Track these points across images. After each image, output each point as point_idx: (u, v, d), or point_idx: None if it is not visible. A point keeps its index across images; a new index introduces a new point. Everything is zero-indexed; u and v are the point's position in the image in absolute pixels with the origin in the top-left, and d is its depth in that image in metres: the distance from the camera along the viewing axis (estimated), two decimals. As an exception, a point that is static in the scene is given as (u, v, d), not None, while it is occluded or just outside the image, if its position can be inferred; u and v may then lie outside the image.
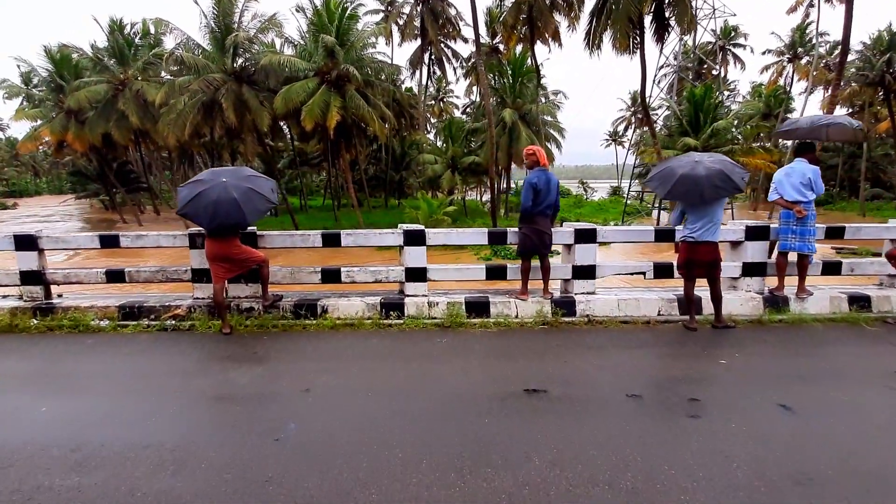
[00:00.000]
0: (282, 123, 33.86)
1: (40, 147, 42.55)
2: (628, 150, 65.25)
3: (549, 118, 29.73)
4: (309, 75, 21.61)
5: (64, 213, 44.56)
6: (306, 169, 41.70)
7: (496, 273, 5.26)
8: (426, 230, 4.70)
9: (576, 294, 5.29)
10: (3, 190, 64.31)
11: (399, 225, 4.86)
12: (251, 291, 4.85)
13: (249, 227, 4.81)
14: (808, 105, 35.01)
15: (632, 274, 5.75)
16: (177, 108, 22.36)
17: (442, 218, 21.79)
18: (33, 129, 33.90)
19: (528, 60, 30.69)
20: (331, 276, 4.85)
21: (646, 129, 34.75)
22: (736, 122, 23.54)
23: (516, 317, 4.97)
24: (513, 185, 41.59)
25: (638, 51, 16.78)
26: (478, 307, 4.79)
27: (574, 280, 5.34)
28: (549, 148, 29.04)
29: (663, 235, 5.37)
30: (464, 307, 4.71)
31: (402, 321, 4.69)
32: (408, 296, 4.77)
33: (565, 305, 5.09)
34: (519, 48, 29.84)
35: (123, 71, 28.30)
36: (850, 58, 37.67)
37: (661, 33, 17.29)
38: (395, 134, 41.02)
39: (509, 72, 30.37)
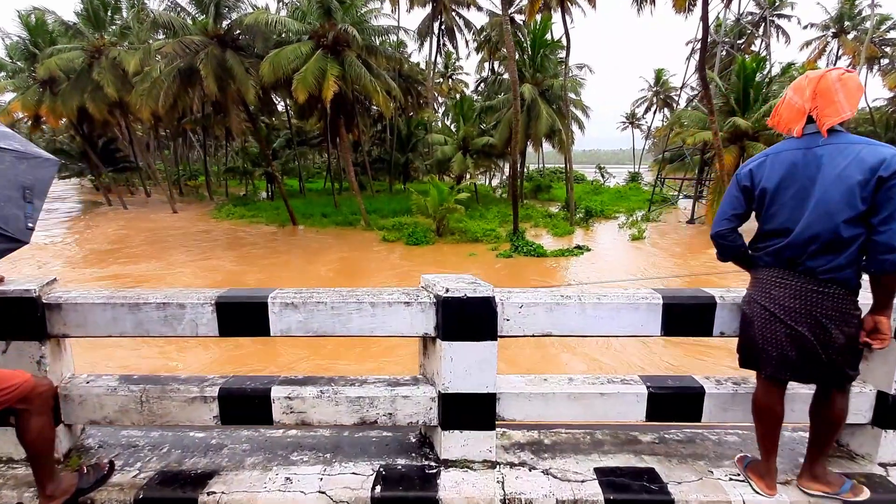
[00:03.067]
0: (277, 99, 31.09)
1: (17, 122, 39.89)
2: (648, 132, 61.96)
3: (572, 95, 26.72)
4: (302, 39, 18.72)
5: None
6: (305, 149, 38.90)
7: (668, 406, 1.90)
8: (501, 295, 1.72)
9: None
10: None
11: (422, 278, 1.82)
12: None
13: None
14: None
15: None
16: (151, 77, 19.62)
17: (454, 206, 19.10)
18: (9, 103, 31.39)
19: (549, 32, 27.55)
20: (245, 408, 1.86)
21: (682, 106, 31.85)
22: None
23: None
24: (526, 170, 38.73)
25: (698, 4, 13.90)
26: None
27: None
28: (572, 130, 26.13)
29: None
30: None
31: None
32: (446, 464, 1.85)
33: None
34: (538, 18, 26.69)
35: (98, 36, 25.46)
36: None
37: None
38: (402, 112, 38.06)
39: (528, 43, 27.25)
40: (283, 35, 19.27)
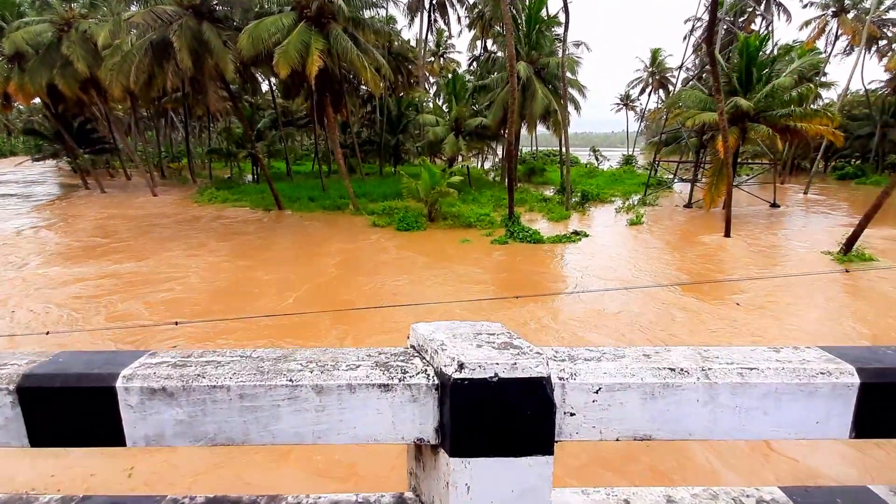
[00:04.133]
0: (261, 77, 29.74)
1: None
2: (643, 114, 61.05)
3: (569, 75, 25.76)
4: (284, 10, 17.51)
5: (19, 178, 40.49)
6: (292, 130, 37.53)
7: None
8: (560, 369, 0.85)
9: None
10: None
11: (413, 330, 0.99)
12: None
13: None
14: (859, 67, 31.09)
15: None
16: (122, 50, 18.36)
17: (446, 190, 18.30)
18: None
19: (545, 7, 26.40)
20: None
21: (681, 87, 31.01)
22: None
23: None
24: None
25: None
26: None
27: None
28: (568, 111, 25.21)
29: None
30: None
31: None
32: None
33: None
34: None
35: (68, 8, 23.88)
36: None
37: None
38: (392, 92, 36.78)
39: (523, 18, 26.12)
40: (263, 6, 18.06)
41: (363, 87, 34.10)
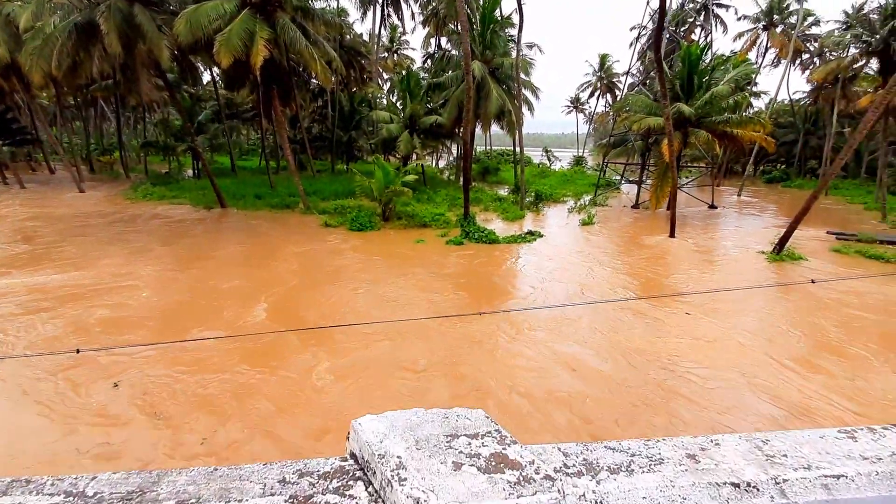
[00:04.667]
0: (202, 67, 27.98)
1: None
2: (592, 117, 63.04)
3: (523, 76, 25.97)
4: (226, -5, 16.38)
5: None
6: (236, 123, 35.63)
7: None
8: None
9: None
10: None
11: (355, 428, 0.64)
12: None
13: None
14: (786, 78, 33.44)
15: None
16: (44, 33, 16.54)
17: (401, 189, 17.86)
18: None
19: (499, 8, 26.47)
20: None
21: (627, 92, 32.10)
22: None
23: None
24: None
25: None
26: None
27: None
28: (522, 112, 25.40)
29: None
30: None
31: None
32: None
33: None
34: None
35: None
36: (829, 28, 36.49)
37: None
38: (344, 87, 35.73)
39: (477, 18, 26.05)
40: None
41: (314, 81, 32.91)
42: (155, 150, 33.71)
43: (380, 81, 43.64)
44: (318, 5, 20.46)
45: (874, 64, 25.63)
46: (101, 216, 18.38)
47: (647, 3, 31.85)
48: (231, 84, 24.59)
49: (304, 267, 12.40)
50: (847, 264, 13.83)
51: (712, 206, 25.65)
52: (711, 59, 23.13)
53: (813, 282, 5.84)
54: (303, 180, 24.33)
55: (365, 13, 32.97)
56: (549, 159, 48.88)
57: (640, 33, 33.68)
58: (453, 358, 7.42)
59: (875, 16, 24.74)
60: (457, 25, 32.65)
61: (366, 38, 37.46)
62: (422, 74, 34.31)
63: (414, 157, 26.99)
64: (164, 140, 31.42)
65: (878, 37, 21.61)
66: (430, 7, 35.78)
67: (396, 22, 37.31)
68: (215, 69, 28.23)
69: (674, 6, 34.08)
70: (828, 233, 18.35)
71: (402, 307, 9.57)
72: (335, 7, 32.80)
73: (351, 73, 34.06)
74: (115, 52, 15.62)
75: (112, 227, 16.34)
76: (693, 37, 36.30)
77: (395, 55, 47.80)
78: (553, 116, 69.17)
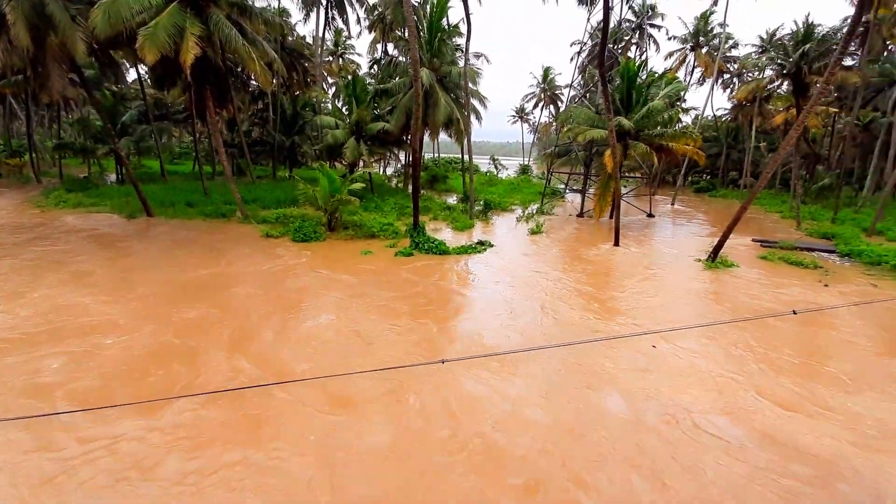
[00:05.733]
0: (127, 64, 25.83)
1: None
2: (536, 127, 64.98)
3: (471, 85, 26.05)
4: (152, -13, 15.05)
5: None
6: (166, 125, 33.14)
7: None
8: None
9: None
10: None
11: None
12: None
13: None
14: (711, 96, 36.05)
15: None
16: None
17: (348, 198, 17.17)
18: None
19: (446, 17, 26.47)
20: None
21: (570, 104, 33.18)
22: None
23: None
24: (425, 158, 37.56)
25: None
26: None
27: None
28: (470, 121, 25.45)
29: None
30: None
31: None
32: None
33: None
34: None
35: None
36: (746, 51, 39.76)
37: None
38: (286, 90, 34.35)
39: (424, 26, 25.89)
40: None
41: (253, 83, 31.33)
42: (72, 152, 30.62)
43: (324, 86, 42.44)
44: (258, 4, 19.44)
45: (786, 85, 28.14)
46: (14, 230, 16.12)
47: (588, 20, 33.20)
48: (160, 83, 22.77)
49: (261, 292, 10.99)
50: (775, 271, 14.81)
51: (650, 215, 26.92)
52: (647, 76, 24.33)
53: (794, 312, 5.93)
54: (241, 187, 22.92)
55: (308, 15, 31.90)
56: (497, 168, 49.61)
57: (581, 48, 35.02)
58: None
59: (788, 41, 27.21)
60: (404, 32, 32.37)
61: (309, 40, 36.30)
62: (368, 80, 33.65)
63: (361, 164, 26.28)
64: (82, 142, 28.58)
65: (791, 60, 23.71)
66: (377, 13, 35.29)
67: (341, 25, 36.47)
68: (142, 66, 26.12)
69: (612, 24, 35.79)
70: (753, 240, 19.72)
71: (367, 338, 8.90)
72: (276, 7, 31.50)
73: (294, 75, 32.81)
74: (24, 44, 13.86)
75: (34, 244, 14.21)
76: (629, 54, 38.31)
77: (341, 59, 46.75)
78: (499, 125, 70.74)
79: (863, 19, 12.09)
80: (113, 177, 31.60)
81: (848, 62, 27.82)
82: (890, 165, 24.62)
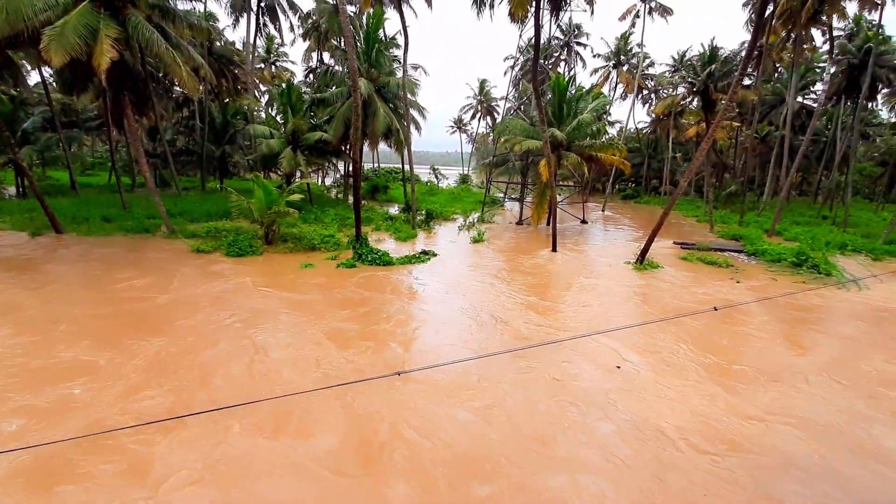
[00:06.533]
0: (27, 65, 23.46)
1: None
2: (473, 137, 66.39)
3: (410, 96, 26.20)
4: (59, -16, 13.77)
5: None
6: (76, 133, 30.30)
7: None
8: None
9: None
10: None
11: None
12: None
13: None
14: (632, 110, 38.81)
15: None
16: None
17: (286, 210, 16.57)
18: None
19: (382, 29, 26.54)
20: None
21: (506, 116, 34.32)
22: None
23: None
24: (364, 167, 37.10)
25: (532, 18, 14.42)
26: None
27: None
28: (410, 131, 25.56)
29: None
30: None
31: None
32: None
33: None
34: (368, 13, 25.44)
35: None
36: (661, 70, 43.25)
37: (558, 4, 15.22)
38: (215, 97, 32.69)
39: (362, 35, 25.76)
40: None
41: (177, 89, 29.52)
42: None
43: (256, 93, 40.83)
44: (181, 7, 18.36)
45: (696, 101, 30.96)
46: None
47: (520, 36, 34.64)
48: (69, 87, 20.81)
49: (204, 321, 9.93)
50: (694, 270, 16.14)
51: (583, 221, 28.38)
52: (576, 91, 25.77)
53: (716, 309, 6.49)
54: (166, 199, 21.44)
55: (237, 20, 30.66)
56: (437, 177, 50.12)
57: (514, 63, 36.41)
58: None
59: (696, 62, 30.03)
60: (340, 41, 31.99)
61: (239, 46, 34.84)
62: (304, 89, 32.81)
63: (298, 174, 25.51)
64: (-29, 151, 25.36)
65: (699, 79, 26.17)
66: (311, 21, 34.62)
67: (273, 32, 35.31)
68: (47, 69, 23.74)
69: (542, 41, 37.67)
70: (674, 243, 21.40)
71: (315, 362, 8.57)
72: (202, 10, 30.02)
73: (223, 82, 31.30)
74: None
75: None
76: (559, 69, 40.41)
77: (273, 67, 45.29)
78: (438, 136, 71.61)
79: (757, 44, 13.62)
80: (13, 190, 28.30)
81: (746, 82, 31.23)
82: (784, 174, 27.86)
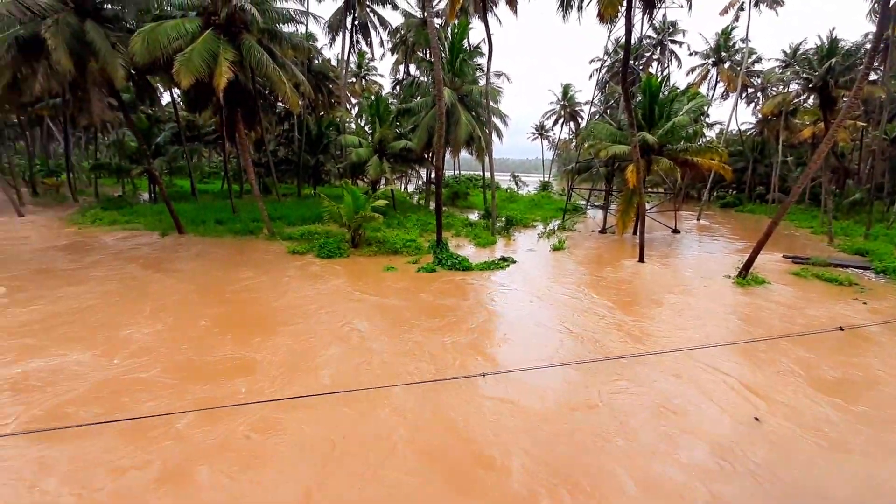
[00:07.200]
0: (164, 88, 27.02)
1: None
2: (555, 143, 65.00)
3: (492, 104, 26.39)
4: (189, 15, 15.85)
5: None
6: (197, 146, 34.42)
7: None
8: None
9: None
10: None
11: None
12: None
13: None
14: (735, 110, 35.63)
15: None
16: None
17: (371, 215, 17.42)
18: None
19: (467, 38, 27.05)
20: None
21: (595, 120, 33.20)
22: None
23: None
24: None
25: (623, 17, 13.83)
26: None
27: None
28: (491, 138, 25.69)
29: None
30: None
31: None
32: None
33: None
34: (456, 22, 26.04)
35: None
36: (771, 65, 39.26)
37: (651, 1, 14.47)
38: (311, 111, 35.34)
39: (446, 46, 26.44)
40: (164, 8, 16.23)
41: (280, 104, 32.37)
42: (107, 172, 31.99)
43: (348, 106, 43.51)
44: (286, 28, 20.21)
45: (812, 99, 27.58)
46: (65, 251, 16.41)
47: (609, 37, 33.35)
48: (193, 106, 23.76)
49: (313, 321, 10.36)
50: (808, 287, 14.32)
51: (675, 231, 26.45)
52: (669, 92, 24.20)
53: (842, 329, 5.76)
54: (268, 205, 23.52)
55: (333, 39, 32.99)
56: (517, 184, 49.70)
57: (601, 65, 35.14)
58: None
59: (812, 56, 26.79)
60: (425, 53, 33.11)
61: (334, 62, 37.42)
62: (391, 100, 34.40)
63: (383, 181, 26.72)
64: (117, 162, 29.87)
65: (817, 74, 23.30)
66: (399, 35, 36.23)
67: (365, 48, 37.49)
68: (175, 90, 27.30)
69: (633, 41, 35.94)
70: (784, 257, 19.15)
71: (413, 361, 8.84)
72: (303, 32, 32.65)
73: (319, 97, 33.77)
74: (65, 68, 14.67)
75: (94, 268, 13.93)
76: (651, 70, 38.25)
77: (364, 80, 47.96)
78: (519, 142, 71.10)
79: (884, 35, 11.85)
80: (146, 195, 32.81)
81: (873, 77, 27.21)
82: (927, 179, 23.72)
